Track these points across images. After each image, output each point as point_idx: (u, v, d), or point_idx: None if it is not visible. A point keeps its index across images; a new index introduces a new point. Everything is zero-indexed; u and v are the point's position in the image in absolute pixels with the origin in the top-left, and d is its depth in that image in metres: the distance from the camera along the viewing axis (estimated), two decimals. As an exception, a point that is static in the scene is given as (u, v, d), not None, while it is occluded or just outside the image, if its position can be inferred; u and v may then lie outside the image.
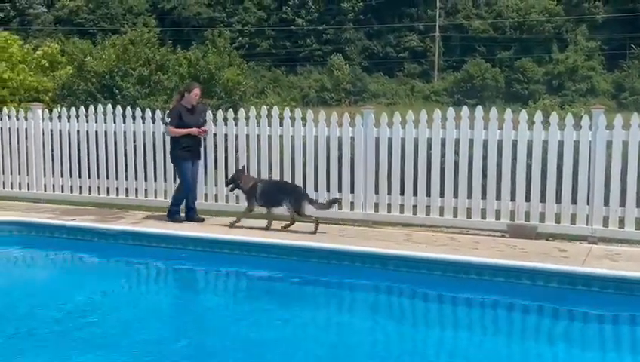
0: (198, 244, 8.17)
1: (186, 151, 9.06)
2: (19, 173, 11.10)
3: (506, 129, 8.49)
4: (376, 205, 9.12)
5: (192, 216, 9.21)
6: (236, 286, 7.85)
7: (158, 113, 10.01)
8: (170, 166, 9.80)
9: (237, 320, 6.41)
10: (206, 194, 9.83)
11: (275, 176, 9.47)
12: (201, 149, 9.43)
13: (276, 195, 8.64)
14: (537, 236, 8.32)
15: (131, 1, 66.48)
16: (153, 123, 10.00)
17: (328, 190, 9.29)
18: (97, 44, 19.10)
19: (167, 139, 9.50)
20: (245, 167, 9.28)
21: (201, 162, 9.52)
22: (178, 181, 9.36)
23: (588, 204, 8.22)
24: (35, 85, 17.73)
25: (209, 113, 9.90)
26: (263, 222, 8.68)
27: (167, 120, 9.11)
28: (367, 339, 5.91)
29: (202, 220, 9.14)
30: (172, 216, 9.17)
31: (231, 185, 9.08)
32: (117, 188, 10.42)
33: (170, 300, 7.35)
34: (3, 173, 11.21)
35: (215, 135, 9.82)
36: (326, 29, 63.53)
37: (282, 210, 8.67)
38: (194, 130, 9.01)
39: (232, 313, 6.72)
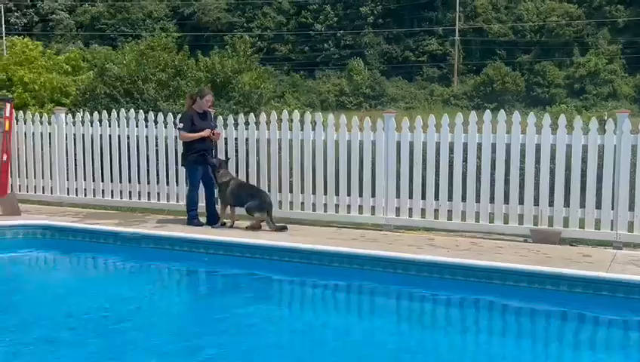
0: (219, 248, 8.20)
1: (198, 156, 9.12)
2: (42, 177, 11.22)
3: (529, 133, 8.43)
4: (398, 209, 9.09)
5: (213, 220, 9.25)
6: (253, 288, 7.83)
7: (177, 117, 10.06)
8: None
9: (264, 320, 6.42)
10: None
11: (296, 181, 9.49)
12: (213, 153, 9.46)
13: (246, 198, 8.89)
14: (561, 241, 8.24)
15: (151, 6, 67.08)
16: (175, 127, 10.05)
17: (349, 194, 9.28)
18: (118, 48, 19.24)
19: (181, 142, 9.54)
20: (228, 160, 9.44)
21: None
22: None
23: (612, 208, 8.13)
24: (57, 85, 17.91)
25: (230, 117, 9.95)
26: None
27: (180, 125, 9.15)
28: (382, 343, 5.88)
29: (223, 224, 9.16)
30: (190, 221, 9.23)
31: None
32: (139, 192, 10.49)
33: (195, 303, 7.36)
34: (27, 177, 11.34)
35: (236, 139, 9.86)
36: (345, 33, 63.58)
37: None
38: (207, 132, 9.04)
39: (255, 314, 6.72)
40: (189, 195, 9.31)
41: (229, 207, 9.08)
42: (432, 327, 6.46)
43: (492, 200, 8.60)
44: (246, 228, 8.87)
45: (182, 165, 9.56)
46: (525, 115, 8.71)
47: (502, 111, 8.75)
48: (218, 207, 9.36)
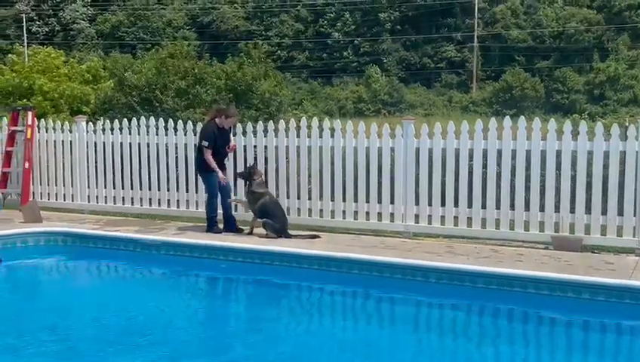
0: (237, 255, 8.22)
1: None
2: (63, 185, 11.33)
3: (550, 139, 8.36)
4: (417, 216, 9.06)
5: (231, 227, 9.27)
6: (272, 295, 7.84)
7: (198, 125, 10.11)
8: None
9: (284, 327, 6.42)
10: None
11: (315, 188, 9.50)
12: (226, 161, 9.52)
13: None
14: (582, 248, 8.15)
15: (170, 14, 67.63)
16: (195, 135, 10.09)
17: (367, 201, 9.26)
18: (138, 57, 19.39)
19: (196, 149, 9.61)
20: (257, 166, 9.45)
21: (228, 172, 9.57)
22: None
23: (634, 215, 8.03)
24: (78, 94, 18.11)
25: (249, 125, 10.00)
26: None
27: (206, 143, 9.08)
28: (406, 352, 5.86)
29: (240, 231, 9.18)
30: (210, 228, 9.27)
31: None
32: (159, 200, 10.55)
33: (217, 310, 7.38)
34: (48, 185, 11.45)
35: (255, 147, 9.89)
36: (362, 40, 63.62)
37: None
38: (221, 176, 9.07)
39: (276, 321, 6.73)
40: (207, 202, 9.35)
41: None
42: (454, 334, 6.42)
43: (512, 207, 8.54)
44: (266, 235, 8.87)
45: (196, 172, 9.63)
46: (545, 121, 8.65)
47: (522, 117, 8.69)
48: (235, 213, 9.43)
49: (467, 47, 61.78)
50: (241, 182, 9.64)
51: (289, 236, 8.84)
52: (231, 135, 9.58)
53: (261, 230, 8.93)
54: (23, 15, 66.90)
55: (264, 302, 7.39)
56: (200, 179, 9.83)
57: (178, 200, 10.42)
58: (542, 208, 8.42)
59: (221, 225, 9.30)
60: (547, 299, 6.66)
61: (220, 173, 9.10)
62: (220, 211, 9.37)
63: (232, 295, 8.13)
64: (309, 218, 9.57)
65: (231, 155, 9.73)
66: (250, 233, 9.04)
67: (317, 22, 65.49)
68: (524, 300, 6.73)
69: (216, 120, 9.19)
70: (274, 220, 8.87)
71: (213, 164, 9.05)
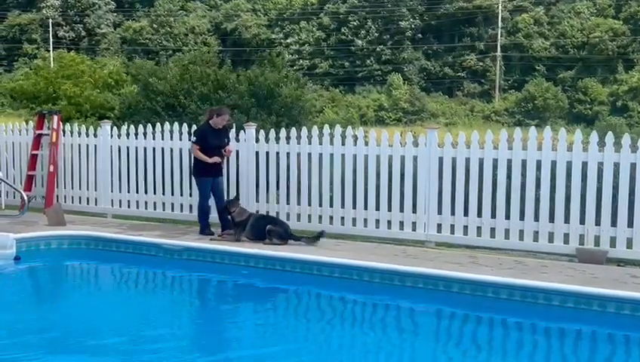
0: (259, 261, 8.23)
1: (207, 168, 9.32)
2: (87, 188, 11.42)
3: (575, 150, 8.28)
4: (439, 226, 9.00)
5: (227, 228, 9.40)
6: (291, 301, 7.83)
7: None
8: (231, 184, 9.97)
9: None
10: (267, 212, 9.87)
11: (337, 196, 9.48)
12: (223, 166, 9.60)
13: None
14: (607, 261, 8.04)
15: (194, 21, 68.13)
16: (189, 140, 10.17)
17: (390, 209, 9.22)
18: (161, 63, 19.53)
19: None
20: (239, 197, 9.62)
21: (224, 178, 9.70)
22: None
23: (662, 229, 7.92)
24: (100, 101, 18.28)
25: (271, 131, 10.02)
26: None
27: (194, 138, 9.46)
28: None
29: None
30: (202, 230, 9.50)
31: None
32: (181, 205, 10.60)
33: (240, 315, 7.38)
34: (72, 188, 11.56)
35: (277, 153, 9.91)
36: (384, 48, 63.60)
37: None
38: (214, 159, 9.24)
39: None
40: (199, 205, 9.59)
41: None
42: (477, 347, 6.35)
43: (536, 218, 8.45)
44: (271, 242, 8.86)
45: (193, 175, 9.81)
46: (570, 132, 8.56)
47: (547, 127, 8.62)
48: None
49: (489, 57, 61.48)
50: (234, 186, 10.00)
51: (297, 238, 8.86)
52: (230, 139, 9.66)
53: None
54: (50, 20, 67.84)
55: (283, 309, 7.39)
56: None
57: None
58: (566, 219, 8.32)
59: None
60: (571, 312, 6.57)
61: (217, 159, 9.28)
62: (213, 215, 9.59)
63: (247, 301, 8.11)
64: (331, 225, 9.54)
65: (233, 159, 9.91)
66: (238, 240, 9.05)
67: (339, 30, 65.57)
68: (548, 313, 6.64)
69: (210, 121, 9.40)
70: (277, 227, 8.94)
71: (202, 156, 9.23)
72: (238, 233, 9.04)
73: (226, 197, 9.59)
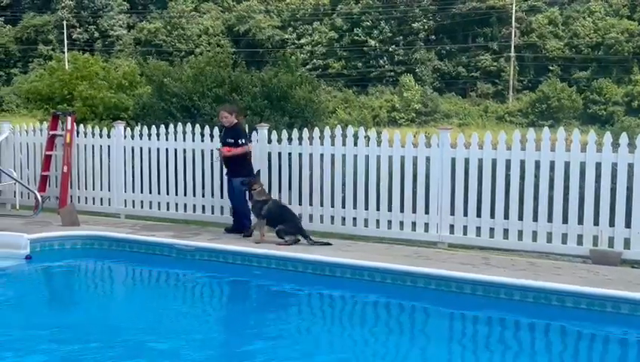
0: (271, 262, 8.24)
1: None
2: (101, 189, 11.48)
3: (589, 151, 8.22)
4: (452, 227, 8.97)
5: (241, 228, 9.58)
6: (302, 302, 7.83)
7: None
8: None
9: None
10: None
11: (349, 197, 9.48)
12: (233, 168, 9.61)
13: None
14: (621, 263, 7.98)
15: (207, 22, 68.31)
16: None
17: (402, 210, 9.20)
18: (174, 64, 19.57)
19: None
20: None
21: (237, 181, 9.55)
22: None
23: (677, 230, 7.85)
24: (115, 102, 18.37)
25: (284, 132, 10.03)
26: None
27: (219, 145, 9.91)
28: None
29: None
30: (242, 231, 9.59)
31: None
32: (194, 205, 10.63)
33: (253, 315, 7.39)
34: (86, 189, 11.62)
35: (290, 154, 9.92)
36: (397, 49, 63.46)
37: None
38: (216, 153, 9.89)
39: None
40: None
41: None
42: (488, 350, 6.33)
43: (550, 219, 8.40)
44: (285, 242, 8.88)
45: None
46: (584, 133, 8.51)
47: (561, 128, 8.57)
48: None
49: (503, 57, 61.19)
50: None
51: (307, 236, 8.86)
52: (237, 138, 9.55)
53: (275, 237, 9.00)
54: (64, 22, 68.30)
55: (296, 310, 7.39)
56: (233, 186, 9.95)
57: (213, 206, 10.48)
58: (580, 221, 8.27)
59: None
60: (585, 314, 6.53)
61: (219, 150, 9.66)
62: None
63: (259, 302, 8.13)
64: (342, 226, 9.54)
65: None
66: (250, 235, 9.22)
67: (352, 30, 65.49)
68: (562, 314, 6.61)
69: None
70: (286, 225, 8.92)
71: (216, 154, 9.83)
72: (259, 225, 9.13)
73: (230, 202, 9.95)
